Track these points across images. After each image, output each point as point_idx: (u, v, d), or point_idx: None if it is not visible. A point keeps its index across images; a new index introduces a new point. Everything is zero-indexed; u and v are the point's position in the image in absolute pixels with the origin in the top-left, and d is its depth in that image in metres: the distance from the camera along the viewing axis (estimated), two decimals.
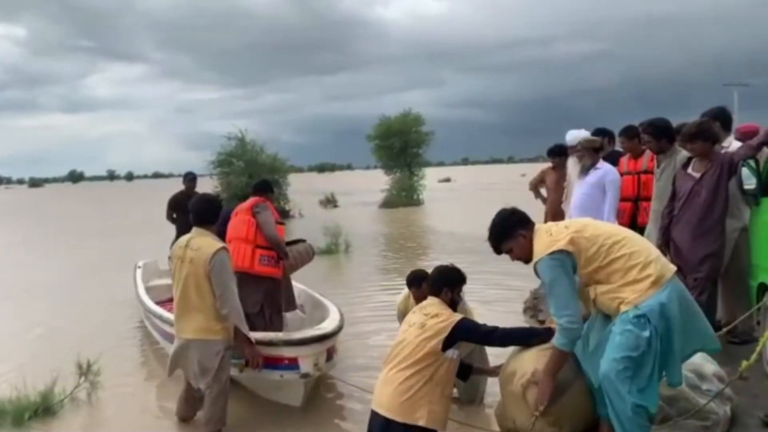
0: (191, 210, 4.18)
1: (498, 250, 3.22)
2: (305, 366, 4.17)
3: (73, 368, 4.91)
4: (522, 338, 3.46)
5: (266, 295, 5.03)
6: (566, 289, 2.93)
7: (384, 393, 3.22)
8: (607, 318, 3.02)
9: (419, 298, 3.85)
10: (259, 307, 4.95)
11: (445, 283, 3.48)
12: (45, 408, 4.51)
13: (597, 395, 3.08)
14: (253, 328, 4.45)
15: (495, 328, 3.37)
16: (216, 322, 3.93)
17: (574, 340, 3.00)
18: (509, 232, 3.14)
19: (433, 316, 3.28)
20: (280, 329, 5.00)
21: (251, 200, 5.20)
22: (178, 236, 6.98)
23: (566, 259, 2.93)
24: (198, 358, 3.90)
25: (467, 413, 4.10)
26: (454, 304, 3.48)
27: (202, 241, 3.99)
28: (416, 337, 3.21)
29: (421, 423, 3.11)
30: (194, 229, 4.12)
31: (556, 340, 3.02)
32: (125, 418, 4.58)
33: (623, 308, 2.84)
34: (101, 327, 7.22)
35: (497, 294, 7.84)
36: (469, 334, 3.31)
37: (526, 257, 3.13)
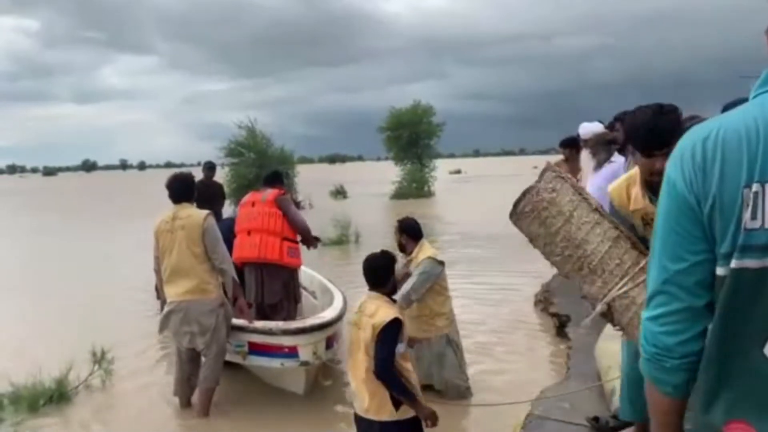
0: (167, 188, 4.43)
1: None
2: (304, 354, 4.24)
3: (87, 356, 4.98)
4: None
5: (285, 286, 5.07)
6: None
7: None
8: None
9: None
10: (278, 298, 5.00)
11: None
12: (60, 394, 4.60)
13: None
14: (272, 320, 4.63)
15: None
16: (208, 282, 4.25)
17: None
18: None
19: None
20: (294, 318, 5.04)
21: (273, 192, 5.12)
22: None
23: None
24: (196, 318, 4.20)
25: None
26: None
27: (189, 211, 4.34)
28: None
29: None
30: (176, 206, 4.36)
31: None
32: (138, 405, 4.65)
33: None
34: (118, 314, 7.31)
35: (508, 287, 7.83)
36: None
37: None
